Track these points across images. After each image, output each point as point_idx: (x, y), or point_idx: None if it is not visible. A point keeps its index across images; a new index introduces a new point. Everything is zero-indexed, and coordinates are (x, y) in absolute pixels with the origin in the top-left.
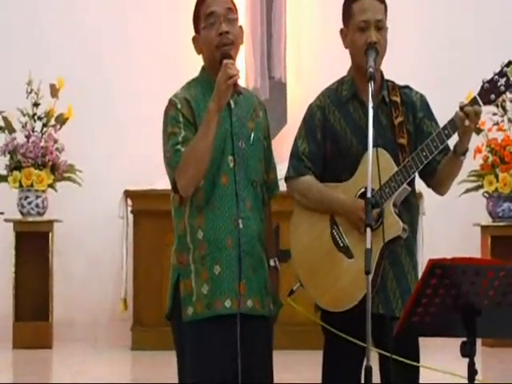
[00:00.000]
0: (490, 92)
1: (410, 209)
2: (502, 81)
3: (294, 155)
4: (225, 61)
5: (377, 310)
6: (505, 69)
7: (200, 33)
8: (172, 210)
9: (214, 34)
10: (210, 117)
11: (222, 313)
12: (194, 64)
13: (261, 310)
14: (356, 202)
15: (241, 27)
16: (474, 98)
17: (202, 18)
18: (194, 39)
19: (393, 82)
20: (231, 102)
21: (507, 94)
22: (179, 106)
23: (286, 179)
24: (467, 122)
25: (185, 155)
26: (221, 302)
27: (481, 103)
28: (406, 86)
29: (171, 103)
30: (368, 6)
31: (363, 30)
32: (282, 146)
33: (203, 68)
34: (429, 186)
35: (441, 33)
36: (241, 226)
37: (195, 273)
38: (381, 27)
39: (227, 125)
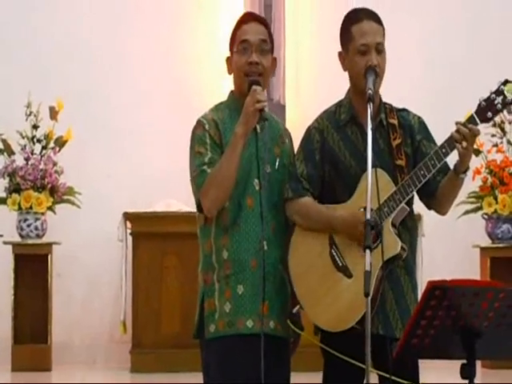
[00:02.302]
0: (486, 110)
1: (408, 230)
2: (499, 99)
3: (293, 177)
4: (254, 87)
5: (376, 330)
6: (502, 87)
7: (233, 55)
8: (198, 230)
9: (244, 61)
10: (237, 140)
11: (243, 332)
12: (196, 83)
13: (282, 331)
14: (356, 215)
15: (274, 59)
16: (472, 116)
17: (236, 41)
18: (227, 60)
19: (390, 105)
20: (257, 127)
21: (506, 115)
22: (207, 127)
23: (285, 201)
24: (465, 144)
25: (210, 177)
26: (242, 321)
27: (478, 121)
28: (404, 109)
29: (199, 123)
30: (367, 29)
31: (363, 53)
32: None
33: (232, 92)
34: (429, 207)
35: (439, 54)
36: (265, 247)
37: (219, 291)
38: (381, 50)
39: (253, 149)
